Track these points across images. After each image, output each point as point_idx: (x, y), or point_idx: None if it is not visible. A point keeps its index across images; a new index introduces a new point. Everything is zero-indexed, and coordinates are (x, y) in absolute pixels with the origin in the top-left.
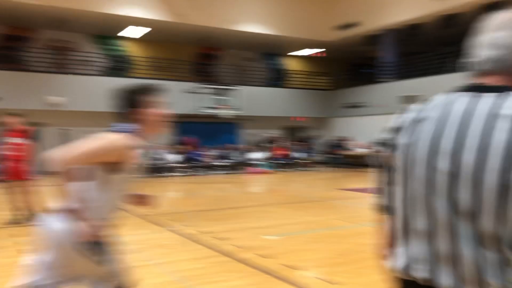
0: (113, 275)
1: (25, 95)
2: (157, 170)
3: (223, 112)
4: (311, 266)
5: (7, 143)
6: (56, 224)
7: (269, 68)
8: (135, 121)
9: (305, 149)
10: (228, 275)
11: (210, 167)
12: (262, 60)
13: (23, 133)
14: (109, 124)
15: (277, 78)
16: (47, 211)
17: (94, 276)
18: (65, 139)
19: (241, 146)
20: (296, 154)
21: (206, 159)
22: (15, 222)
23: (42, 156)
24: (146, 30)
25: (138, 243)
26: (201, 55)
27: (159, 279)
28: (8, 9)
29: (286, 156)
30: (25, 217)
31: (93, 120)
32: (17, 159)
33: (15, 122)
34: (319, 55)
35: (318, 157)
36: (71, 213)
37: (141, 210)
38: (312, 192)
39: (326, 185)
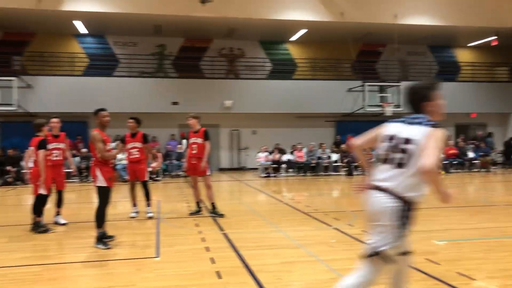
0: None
1: (199, 99)
2: (322, 169)
3: (388, 110)
4: (482, 276)
5: (189, 143)
6: (386, 200)
7: (438, 61)
8: (427, 112)
9: (480, 148)
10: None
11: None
12: (430, 53)
13: (202, 134)
14: (410, 115)
15: (448, 72)
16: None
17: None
18: (235, 139)
19: None
20: (470, 154)
21: (369, 158)
22: (197, 213)
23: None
24: (303, 31)
25: (302, 238)
26: (363, 53)
27: (322, 276)
28: (187, 23)
29: (457, 156)
30: (207, 209)
31: (259, 121)
32: (197, 157)
33: (195, 123)
34: (495, 44)
35: (495, 157)
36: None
37: (307, 207)
38: (488, 196)
39: (505, 188)
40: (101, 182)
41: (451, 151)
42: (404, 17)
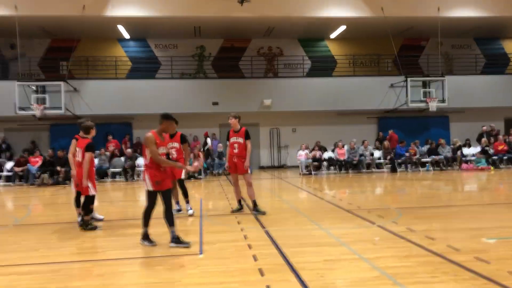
0: None
1: (239, 99)
2: (364, 166)
3: (431, 105)
4: None
5: (230, 142)
6: None
7: (486, 54)
8: None
9: None
10: (441, 276)
11: (417, 163)
12: (476, 46)
13: (243, 133)
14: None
15: (496, 64)
16: None
17: None
18: (275, 137)
19: (452, 140)
20: None
21: (413, 155)
22: (239, 211)
23: None
24: (342, 28)
25: (345, 236)
26: (405, 47)
27: (366, 274)
28: (226, 24)
29: (507, 151)
30: (248, 207)
31: (299, 119)
32: (238, 156)
33: (236, 123)
34: None
35: None
36: None
37: (350, 205)
38: None
39: None
40: (148, 186)
41: (501, 147)
42: (448, 9)
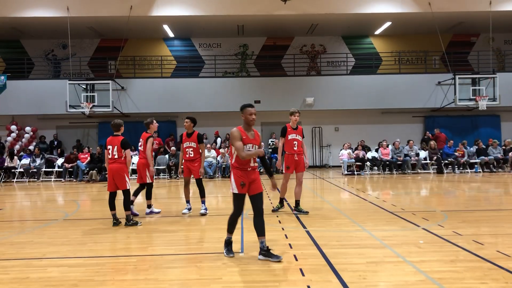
0: None
1: (281, 97)
2: (409, 166)
3: (481, 104)
4: None
5: (288, 140)
6: None
7: None
8: None
9: None
10: (491, 283)
11: (466, 165)
12: None
13: (301, 132)
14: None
15: None
16: None
17: None
18: (317, 136)
19: (504, 141)
20: None
21: (461, 156)
22: (278, 210)
23: None
24: (388, 24)
25: (388, 238)
26: (454, 43)
27: (410, 277)
28: (269, 22)
29: None
30: (289, 206)
31: (342, 118)
32: (297, 153)
33: (295, 122)
34: None
35: None
36: None
37: (393, 206)
38: None
39: None
40: (233, 188)
41: None
42: (500, 4)
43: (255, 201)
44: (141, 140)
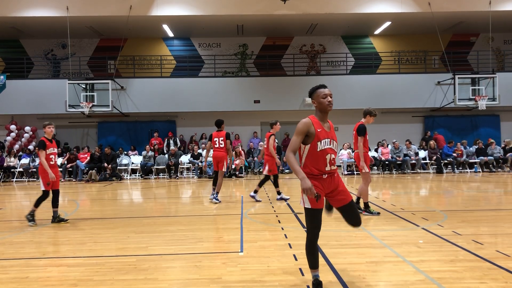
0: None
1: (280, 97)
2: (409, 166)
3: (481, 104)
4: None
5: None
6: None
7: None
8: None
9: None
10: (490, 283)
11: (465, 164)
12: None
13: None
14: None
15: None
16: None
17: None
18: None
19: (503, 141)
20: None
21: (460, 156)
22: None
23: None
24: (387, 24)
25: (388, 238)
26: (453, 43)
27: (409, 277)
28: (268, 22)
29: None
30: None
31: (341, 117)
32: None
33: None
34: None
35: None
36: None
37: (393, 206)
38: None
39: None
40: (304, 201)
41: None
42: (500, 3)
43: (347, 215)
44: (265, 138)
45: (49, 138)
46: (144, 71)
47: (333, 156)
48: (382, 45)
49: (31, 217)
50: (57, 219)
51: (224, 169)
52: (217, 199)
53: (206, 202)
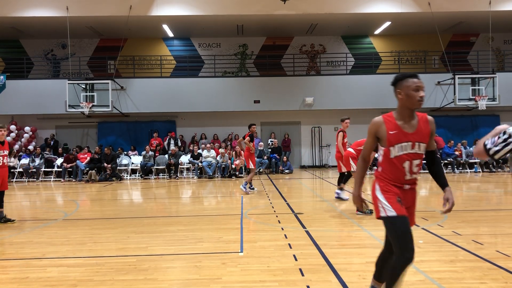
0: None
1: (280, 97)
2: None
3: (481, 104)
4: None
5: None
6: None
7: None
8: None
9: None
10: (490, 283)
11: (465, 165)
12: None
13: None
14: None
15: None
16: None
17: None
18: (317, 136)
19: None
20: None
21: (460, 156)
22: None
23: None
24: (387, 24)
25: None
26: (453, 43)
27: (409, 277)
28: (268, 22)
29: None
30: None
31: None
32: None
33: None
34: None
35: None
36: None
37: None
38: None
39: None
40: (385, 208)
41: None
42: (500, 4)
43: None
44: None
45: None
46: (144, 71)
47: (416, 162)
48: (382, 45)
49: None
50: (3, 219)
51: (252, 166)
52: (250, 189)
53: (206, 202)
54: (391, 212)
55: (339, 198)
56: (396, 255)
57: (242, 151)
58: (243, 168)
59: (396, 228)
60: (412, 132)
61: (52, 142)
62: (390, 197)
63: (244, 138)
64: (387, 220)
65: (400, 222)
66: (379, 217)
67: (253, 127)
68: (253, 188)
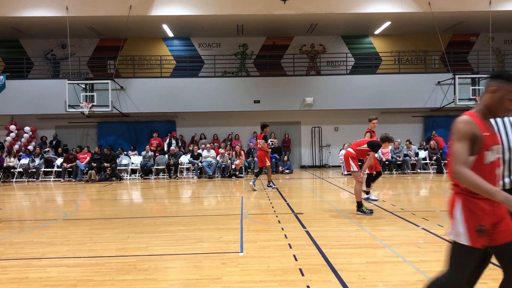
0: None
1: (280, 97)
2: (409, 166)
3: None
4: None
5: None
6: None
7: None
8: None
9: None
10: (491, 283)
11: None
12: None
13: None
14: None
15: None
16: None
17: None
18: (317, 136)
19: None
20: None
21: None
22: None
23: None
24: (387, 24)
25: (388, 238)
26: (453, 43)
27: (409, 277)
28: (268, 22)
29: None
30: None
31: (341, 118)
32: None
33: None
34: None
35: None
36: None
37: (393, 206)
38: None
39: None
40: (461, 233)
41: None
42: (500, 3)
43: (509, 255)
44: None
45: None
46: (144, 71)
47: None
48: (382, 45)
49: None
50: None
51: (268, 163)
52: (268, 186)
53: (206, 202)
54: (464, 240)
55: (368, 199)
56: (444, 276)
57: (261, 150)
58: (243, 168)
59: (462, 256)
60: (496, 134)
61: (54, 142)
62: (470, 222)
63: (258, 139)
64: (457, 246)
65: (469, 252)
66: (452, 240)
67: (267, 129)
68: (272, 186)
